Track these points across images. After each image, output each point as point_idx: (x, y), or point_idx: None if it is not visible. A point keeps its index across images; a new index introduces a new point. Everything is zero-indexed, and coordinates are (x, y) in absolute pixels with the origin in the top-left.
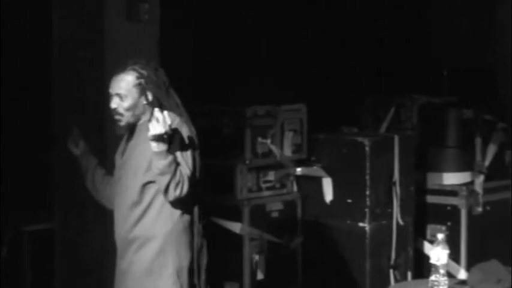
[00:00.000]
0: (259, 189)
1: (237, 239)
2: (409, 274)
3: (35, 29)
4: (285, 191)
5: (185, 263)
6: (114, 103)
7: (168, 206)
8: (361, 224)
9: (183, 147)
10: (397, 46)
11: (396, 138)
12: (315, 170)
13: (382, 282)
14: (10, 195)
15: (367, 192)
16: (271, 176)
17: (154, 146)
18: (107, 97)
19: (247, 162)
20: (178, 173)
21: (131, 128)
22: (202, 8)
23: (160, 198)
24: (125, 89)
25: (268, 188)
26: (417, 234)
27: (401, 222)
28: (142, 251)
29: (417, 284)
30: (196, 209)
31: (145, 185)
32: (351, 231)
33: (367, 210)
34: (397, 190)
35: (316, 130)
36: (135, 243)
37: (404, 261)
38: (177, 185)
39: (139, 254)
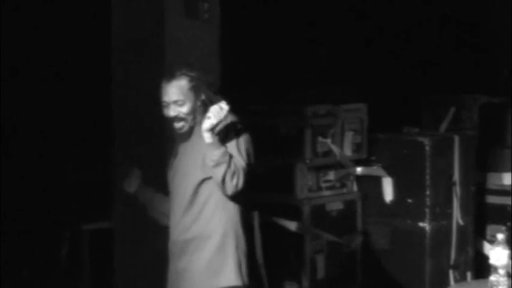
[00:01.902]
0: (319, 188)
1: (297, 238)
2: (469, 274)
3: (95, 29)
4: (345, 190)
5: (244, 256)
6: (173, 110)
7: (223, 203)
8: (421, 224)
9: (237, 140)
10: (458, 46)
11: (456, 138)
12: (375, 170)
13: (441, 283)
14: (70, 194)
15: (427, 192)
16: (331, 175)
17: (208, 137)
18: None
19: (308, 161)
20: (233, 164)
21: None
22: (262, 7)
23: (215, 195)
24: (182, 95)
25: (328, 188)
26: (477, 234)
27: (461, 222)
28: (201, 249)
29: (477, 284)
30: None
31: (200, 183)
32: (411, 231)
33: (427, 210)
34: (457, 190)
35: (377, 130)
36: (193, 243)
37: (464, 262)
38: (233, 175)
39: (198, 252)
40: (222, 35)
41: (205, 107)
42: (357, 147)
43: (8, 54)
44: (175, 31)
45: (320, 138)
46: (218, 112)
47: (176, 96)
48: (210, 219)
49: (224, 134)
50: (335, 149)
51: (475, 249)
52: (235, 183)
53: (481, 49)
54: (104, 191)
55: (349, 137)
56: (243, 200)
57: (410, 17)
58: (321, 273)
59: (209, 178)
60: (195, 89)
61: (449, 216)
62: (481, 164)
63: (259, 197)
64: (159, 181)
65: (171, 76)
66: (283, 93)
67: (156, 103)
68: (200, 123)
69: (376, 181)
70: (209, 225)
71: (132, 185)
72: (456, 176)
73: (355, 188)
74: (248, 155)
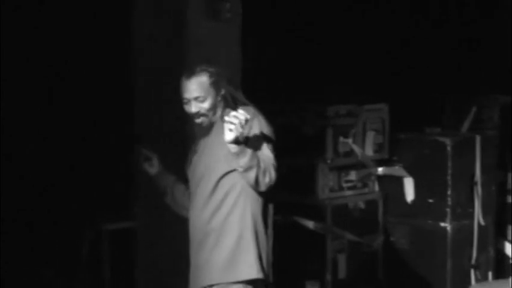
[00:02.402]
0: (341, 188)
1: (319, 238)
2: (490, 274)
3: (116, 29)
4: (366, 190)
5: (264, 250)
6: (195, 107)
7: (244, 196)
8: (442, 224)
9: (262, 136)
10: (478, 46)
11: (478, 138)
12: (397, 170)
13: (462, 282)
14: (91, 194)
15: (449, 192)
16: (352, 175)
17: (233, 148)
18: None
19: (329, 161)
20: (262, 163)
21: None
22: (284, 6)
23: (236, 188)
24: (203, 91)
25: (349, 188)
26: (498, 234)
27: (482, 222)
28: (221, 241)
29: (498, 284)
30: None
31: (222, 176)
32: (432, 231)
33: (448, 210)
34: (478, 190)
35: (398, 130)
36: (212, 235)
37: (485, 261)
38: (264, 173)
39: (218, 245)
40: (243, 34)
41: (225, 101)
42: (378, 147)
43: (17, 54)
44: (197, 31)
45: (341, 138)
46: (238, 122)
47: (197, 92)
48: (231, 211)
49: (248, 136)
50: (356, 149)
51: (496, 249)
52: (267, 180)
53: (501, 49)
54: (124, 192)
55: (370, 137)
56: (266, 195)
57: (430, 18)
58: (342, 273)
59: (232, 171)
60: (216, 85)
61: (470, 216)
62: (503, 164)
63: (281, 197)
64: (178, 177)
65: (191, 73)
66: (305, 93)
67: (178, 103)
68: (221, 117)
69: (398, 181)
70: (229, 218)
71: (154, 166)
72: (477, 176)
73: (376, 188)
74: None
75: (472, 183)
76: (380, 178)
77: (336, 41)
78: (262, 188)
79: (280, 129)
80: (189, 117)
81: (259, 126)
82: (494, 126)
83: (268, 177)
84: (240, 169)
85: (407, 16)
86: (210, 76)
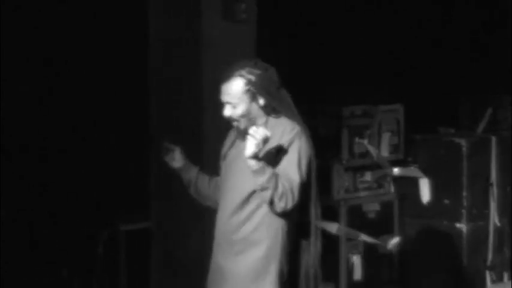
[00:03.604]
0: (356, 189)
1: (334, 239)
2: (505, 275)
3: (132, 29)
4: (381, 191)
5: (286, 268)
6: (227, 111)
7: (272, 214)
8: (457, 225)
9: (299, 154)
10: (493, 46)
11: (493, 139)
12: (412, 171)
13: (478, 283)
14: (107, 194)
15: (464, 193)
16: (368, 176)
17: (252, 165)
18: (203, 96)
19: (344, 162)
20: (280, 185)
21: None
22: (298, 7)
23: (265, 207)
24: (235, 97)
25: (365, 189)
26: None
27: (498, 223)
28: (246, 254)
29: None
30: (313, 211)
31: (250, 195)
32: (448, 232)
33: (463, 211)
34: (494, 191)
35: (413, 131)
36: (238, 245)
37: (501, 262)
38: (281, 197)
39: (243, 256)
40: (258, 34)
41: (266, 110)
42: (393, 148)
43: (20, 52)
44: (212, 31)
45: (357, 139)
46: (258, 138)
47: (229, 98)
48: (258, 227)
49: (273, 154)
50: (372, 149)
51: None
52: (283, 204)
53: None
54: (140, 192)
55: (386, 137)
56: (296, 214)
57: (446, 18)
58: (357, 275)
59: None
60: (251, 93)
61: (486, 217)
62: None
63: None
64: (204, 171)
65: (228, 75)
66: (320, 93)
67: (194, 103)
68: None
69: (413, 182)
70: (256, 232)
71: (177, 159)
72: (493, 177)
73: (392, 188)
74: (307, 170)
75: (487, 184)
76: (395, 179)
77: (352, 42)
78: (277, 210)
79: None
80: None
81: (297, 148)
82: (510, 127)
83: (284, 202)
84: (258, 187)
85: (424, 16)
86: (246, 83)
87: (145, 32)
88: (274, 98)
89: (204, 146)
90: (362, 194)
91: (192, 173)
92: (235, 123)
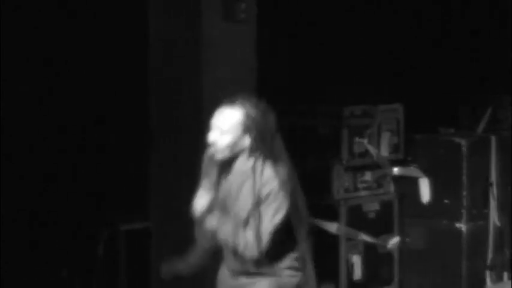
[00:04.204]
0: (356, 189)
1: (333, 239)
2: (505, 275)
3: (132, 29)
4: (381, 191)
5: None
6: (214, 136)
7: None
8: (457, 225)
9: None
10: (493, 46)
11: (493, 139)
12: (412, 170)
13: (478, 283)
14: (107, 194)
15: (464, 193)
16: (368, 176)
17: None
18: (203, 96)
19: (344, 162)
20: (241, 241)
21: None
22: (298, 7)
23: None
24: (229, 125)
25: (365, 188)
26: None
27: (498, 223)
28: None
29: None
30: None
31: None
32: (448, 232)
33: (463, 210)
34: (494, 191)
35: (413, 130)
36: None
37: (501, 262)
38: (246, 247)
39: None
40: (258, 34)
41: (252, 150)
42: (393, 148)
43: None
44: (212, 31)
45: (357, 139)
46: None
47: (223, 124)
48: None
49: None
50: (372, 149)
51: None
52: (248, 254)
53: None
54: (140, 192)
55: (386, 137)
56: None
57: (446, 18)
58: (357, 274)
59: None
60: (245, 127)
61: (486, 217)
62: None
63: None
64: (194, 178)
65: (231, 102)
66: (320, 93)
67: (194, 103)
68: (243, 161)
69: (413, 182)
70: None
71: (182, 269)
72: (493, 177)
73: (391, 188)
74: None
75: (487, 184)
76: (395, 179)
77: (352, 42)
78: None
79: (295, 130)
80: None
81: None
82: (510, 126)
83: (249, 253)
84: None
85: (424, 16)
86: (245, 116)
87: (145, 32)
88: (264, 142)
89: (204, 146)
90: (362, 193)
91: (191, 264)
92: (213, 150)
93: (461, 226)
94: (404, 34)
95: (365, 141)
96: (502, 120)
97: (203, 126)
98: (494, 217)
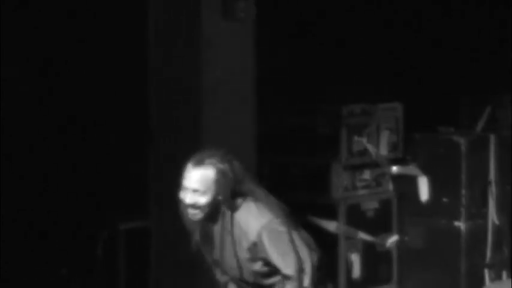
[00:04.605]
0: (355, 188)
1: (332, 237)
2: (504, 273)
3: (132, 29)
4: (380, 189)
5: None
6: (190, 198)
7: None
8: (456, 223)
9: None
10: (493, 45)
11: (492, 138)
12: (411, 169)
13: (476, 281)
14: (107, 194)
15: (463, 192)
16: (366, 174)
17: None
18: (203, 96)
19: (343, 160)
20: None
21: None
22: (298, 8)
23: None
24: (204, 186)
25: (363, 187)
26: None
27: (496, 222)
28: None
29: None
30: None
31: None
32: (446, 231)
33: (462, 209)
34: (492, 189)
35: (412, 129)
36: None
37: (500, 261)
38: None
39: None
40: (258, 34)
41: (229, 203)
42: (392, 147)
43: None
44: (211, 30)
45: (356, 137)
46: None
47: (197, 185)
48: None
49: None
50: (371, 148)
51: (510, 249)
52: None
53: None
54: (140, 191)
55: (385, 136)
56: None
57: (445, 18)
58: (356, 273)
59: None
60: (220, 183)
61: (484, 216)
62: None
63: (295, 197)
64: None
65: (198, 162)
66: (319, 92)
67: (194, 103)
68: (225, 216)
69: (412, 180)
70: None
71: None
72: (492, 176)
73: (390, 187)
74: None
75: (486, 183)
76: (394, 177)
77: (352, 41)
78: None
79: (295, 129)
80: (182, 205)
81: (267, 243)
82: (509, 125)
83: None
84: None
85: (424, 16)
86: (217, 172)
87: (145, 32)
88: (240, 189)
89: (204, 146)
90: (361, 192)
91: None
92: (192, 212)
93: (460, 225)
94: (404, 34)
95: (364, 139)
96: (501, 119)
97: (203, 126)
98: (493, 216)
